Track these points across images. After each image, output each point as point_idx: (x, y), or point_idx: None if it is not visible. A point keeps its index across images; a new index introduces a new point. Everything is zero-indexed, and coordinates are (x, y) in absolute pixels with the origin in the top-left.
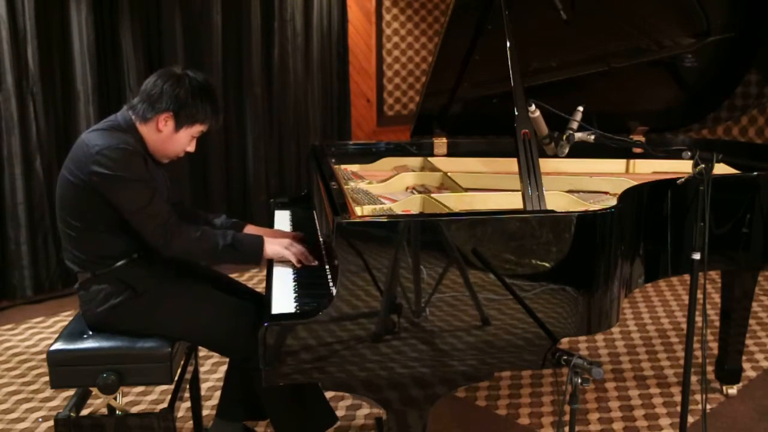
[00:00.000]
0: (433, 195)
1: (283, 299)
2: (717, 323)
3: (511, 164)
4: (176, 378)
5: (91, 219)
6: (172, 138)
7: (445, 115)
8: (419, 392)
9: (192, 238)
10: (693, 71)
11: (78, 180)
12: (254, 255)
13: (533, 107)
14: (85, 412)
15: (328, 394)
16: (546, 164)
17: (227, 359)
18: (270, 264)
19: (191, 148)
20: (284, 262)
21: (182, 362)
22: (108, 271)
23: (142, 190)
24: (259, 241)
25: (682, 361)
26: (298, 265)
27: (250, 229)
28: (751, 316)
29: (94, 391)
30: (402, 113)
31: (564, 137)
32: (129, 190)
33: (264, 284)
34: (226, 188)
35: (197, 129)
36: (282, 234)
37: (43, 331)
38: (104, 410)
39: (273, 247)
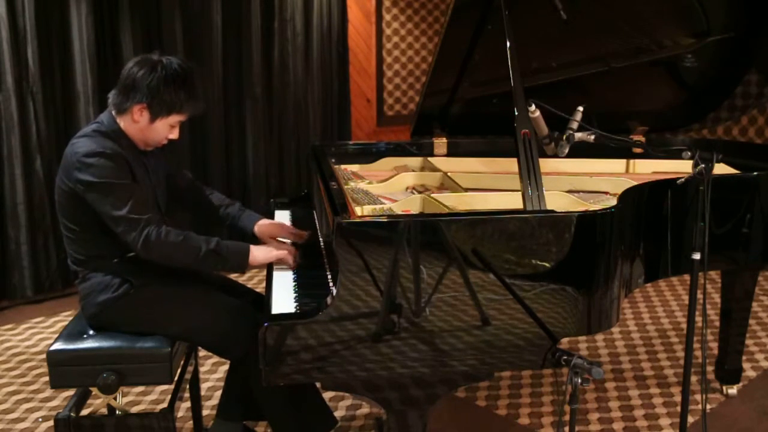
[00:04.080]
0: (433, 195)
1: (283, 299)
2: (717, 323)
3: (511, 164)
4: (176, 378)
5: (87, 222)
6: (149, 128)
7: (445, 115)
8: (419, 392)
9: (172, 243)
10: (693, 71)
11: (67, 187)
12: (238, 263)
13: (533, 107)
14: (85, 412)
15: (328, 394)
16: (546, 164)
17: (227, 359)
18: (270, 264)
19: (174, 135)
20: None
21: (182, 362)
22: (105, 265)
23: (118, 196)
24: (244, 251)
25: (682, 361)
26: (285, 264)
27: (259, 228)
28: (751, 316)
29: (94, 391)
30: (402, 113)
31: (564, 137)
32: (105, 195)
33: (264, 284)
34: (227, 188)
35: (174, 119)
36: (286, 228)
37: (43, 331)
38: (104, 410)
39: (259, 254)
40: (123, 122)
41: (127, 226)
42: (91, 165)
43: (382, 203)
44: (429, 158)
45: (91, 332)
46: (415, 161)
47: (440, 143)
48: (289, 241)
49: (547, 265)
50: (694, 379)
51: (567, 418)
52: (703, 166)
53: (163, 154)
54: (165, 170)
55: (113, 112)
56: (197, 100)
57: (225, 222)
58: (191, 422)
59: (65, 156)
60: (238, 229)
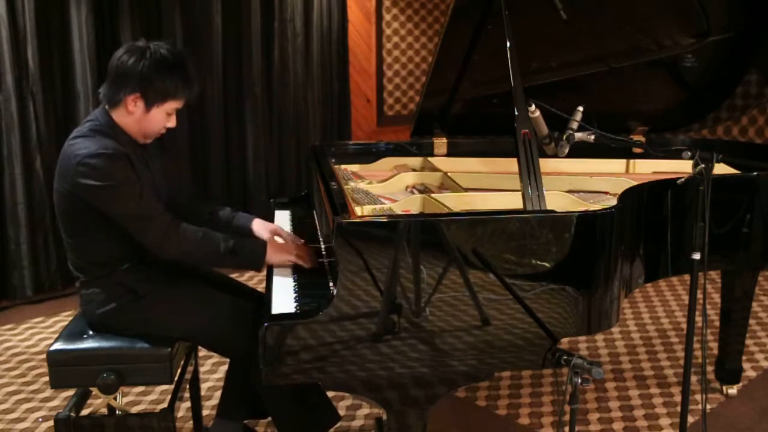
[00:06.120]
0: (433, 195)
1: (283, 299)
2: (717, 323)
3: (511, 164)
4: (176, 378)
5: (86, 227)
6: (146, 118)
7: (445, 115)
8: (419, 392)
9: (192, 240)
10: (693, 71)
11: (66, 191)
12: (256, 262)
13: (533, 107)
14: (85, 412)
15: (328, 394)
16: (546, 164)
17: (227, 359)
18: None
19: (171, 123)
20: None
21: (182, 362)
22: (108, 274)
23: (130, 196)
24: (261, 249)
25: (682, 361)
26: (308, 266)
27: (257, 224)
28: (751, 316)
29: (94, 391)
30: (402, 113)
31: (564, 137)
32: (117, 198)
33: (264, 284)
34: (227, 188)
35: (171, 105)
36: (283, 232)
37: (43, 331)
38: (104, 410)
39: (277, 255)
40: (118, 116)
41: (143, 226)
42: (94, 167)
43: (382, 203)
44: (429, 158)
45: (91, 332)
46: (415, 161)
47: (440, 143)
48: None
49: (547, 265)
50: (694, 379)
51: (567, 418)
52: (703, 166)
53: (160, 149)
54: (164, 166)
55: (106, 107)
56: (192, 83)
57: (217, 227)
58: (191, 422)
59: (63, 158)
60: (234, 230)
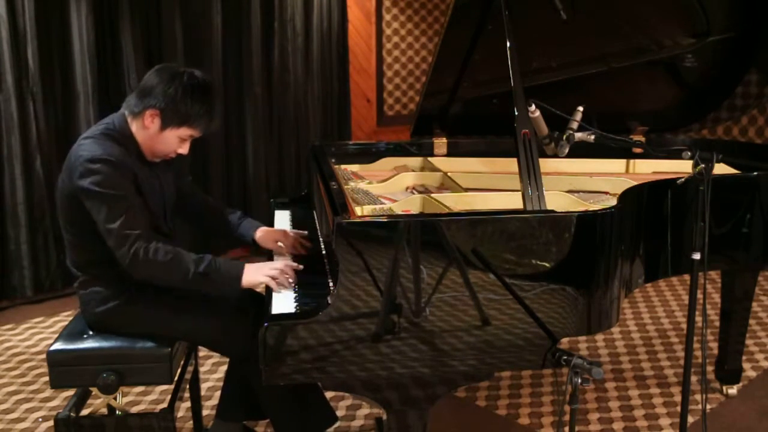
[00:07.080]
0: (433, 195)
1: (283, 299)
2: (717, 323)
3: (511, 164)
4: (176, 378)
5: (86, 225)
6: (159, 136)
7: (445, 115)
8: (419, 392)
9: (159, 262)
10: (693, 71)
11: (68, 188)
12: (230, 285)
13: (533, 107)
14: (85, 412)
15: (328, 394)
16: (546, 164)
17: (227, 359)
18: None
19: (183, 150)
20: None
21: (182, 362)
22: (106, 272)
23: (113, 207)
24: (235, 273)
25: (682, 361)
26: (277, 288)
27: (261, 232)
28: (751, 316)
29: (94, 391)
30: (402, 113)
31: (564, 137)
32: (101, 204)
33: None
34: (227, 188)
35: (185, 132)
36: (287, 234)
37: (43, 331)
38: (104, 410)
39: (252, 276)
40: (134, 126)
41: (117, 241)
42: (93, 171)
43: (382, 203)
44: (429, 158)
45: (91, 332)
46: (415, 161)
47: (440, 143)
48: (290, 257)
49: (547, 265)
50: (694, 379)
51: (567, 418)
52: (703, 166)
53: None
54: (174, 174)
55: (126, 113)
56: (212, 117)
57: (225, 230)
58: (191, 422)
59: (69, 156)
60: (238, 238)
